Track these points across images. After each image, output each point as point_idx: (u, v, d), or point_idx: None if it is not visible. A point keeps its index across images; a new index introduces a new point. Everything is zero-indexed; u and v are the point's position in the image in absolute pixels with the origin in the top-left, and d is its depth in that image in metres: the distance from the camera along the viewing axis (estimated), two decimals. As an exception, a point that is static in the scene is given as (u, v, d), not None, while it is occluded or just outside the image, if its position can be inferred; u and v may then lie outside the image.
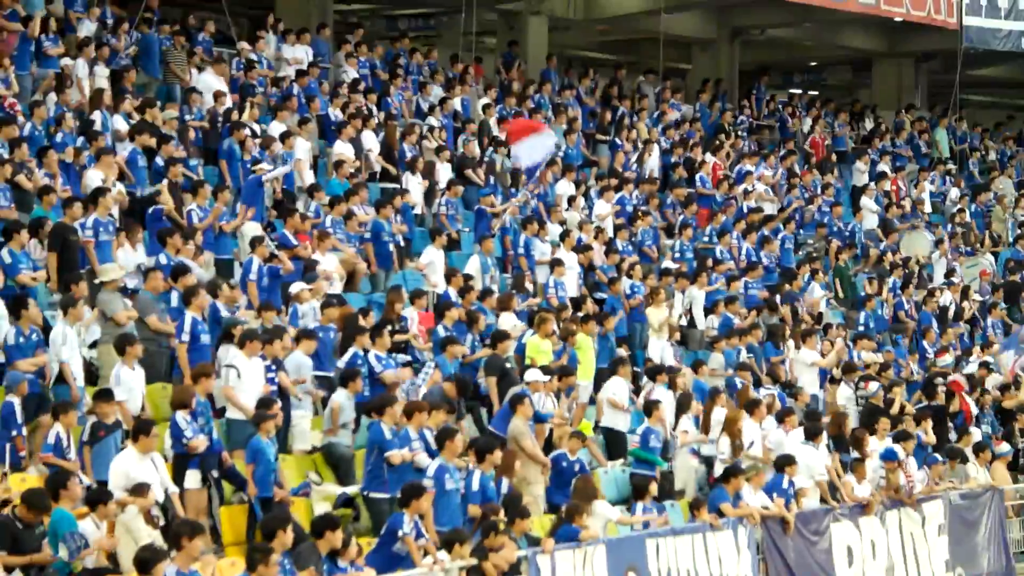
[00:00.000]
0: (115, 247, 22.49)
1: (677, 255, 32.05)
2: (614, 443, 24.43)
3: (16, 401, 18.16)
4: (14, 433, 18.10)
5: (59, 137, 25.24)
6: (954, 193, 42.48)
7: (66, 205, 22.37)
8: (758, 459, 23.87)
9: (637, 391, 25.78)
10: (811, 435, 24.29)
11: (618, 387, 24.63)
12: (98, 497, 16.93)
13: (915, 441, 26.12)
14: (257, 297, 23.16)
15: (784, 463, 23.31)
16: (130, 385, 19.20)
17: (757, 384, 27.07)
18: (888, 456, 25.09)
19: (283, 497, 18.99)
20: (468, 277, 26.70)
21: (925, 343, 32.73)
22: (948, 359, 31.82)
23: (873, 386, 28.26)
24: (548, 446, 22.78)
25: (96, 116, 26.55)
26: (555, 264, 28.55)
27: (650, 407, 23.87)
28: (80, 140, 25.49)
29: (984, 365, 31.64)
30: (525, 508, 19.85)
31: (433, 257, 27.52)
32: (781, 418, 24.85)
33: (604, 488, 22.98)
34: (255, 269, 23.63)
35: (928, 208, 41.31)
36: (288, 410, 20.87)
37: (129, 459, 17.65)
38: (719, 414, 24.45)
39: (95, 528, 16.72)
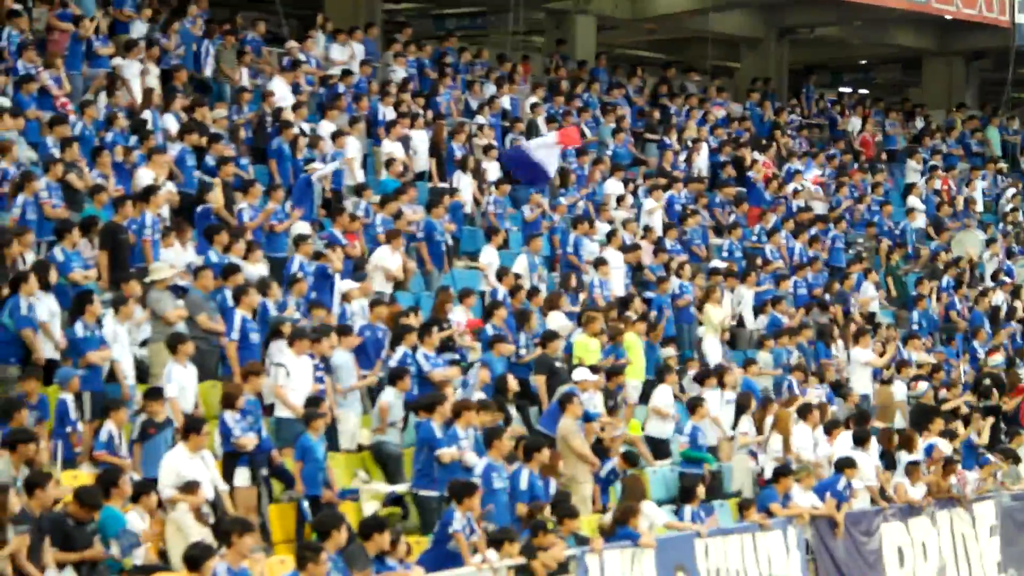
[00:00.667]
0: (163, 246, 22.55)
1: (726, 254, 31.96)
2: (659, 451, 24.33)
3: (69, 398, 18.24)
4: (68, 429, 18.18)
5: (110, 137, 25.34)
6: (1009, 192, 42.22)
7: (119, 204, 22.45)
8: (809, 463, 23.76)
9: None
10: (860, 440, 24.17)
11: (664, 396, 24.54)
12: (142, 489, 17.04)
13: (960, 439, 26.00)
14: (303, 295, 23.19)
15: (845, 464, 23.16)
16: (182, 383, 19.29)
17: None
18: (929, 451, 24.96)
19: (331, 499, 19.03)
20: (516, 276, 26.71)
21: (976, 343, 32.54)
22: (999, 359, 31.63)
23: (923, 386, 28.13)
24: (597, 446, 22.77)
25: (147, 115, 26.66)
26: (599, 263, 28.51)
27: (695, 404, 23.78)
28: (132, 139, 25.57)
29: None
30: (574, 507, 19.83)
31: (492, 257, 27.57)
32: (829, 430, 24.74)
33: (653, 488, 22.93)
34: (296, 267, 23.68)
35: (980, 207, 41.07)
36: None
37: (180, 457, 17.74)
38: (771, 421, 24.35)
39: (140, 520, 16.82)
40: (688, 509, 21.50)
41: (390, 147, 29.85)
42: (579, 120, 35.00)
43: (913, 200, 38.86)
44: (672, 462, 23.97)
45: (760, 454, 24.27)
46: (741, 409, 24.37)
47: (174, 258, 22.44)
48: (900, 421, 27.74)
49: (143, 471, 18.00)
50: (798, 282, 31.83)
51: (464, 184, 30.07)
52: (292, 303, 22.66)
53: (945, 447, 25.33)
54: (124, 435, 18.24)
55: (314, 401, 19.92)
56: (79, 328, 19.09)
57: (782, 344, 28.11)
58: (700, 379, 25.29)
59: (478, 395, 21.91)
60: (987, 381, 29.73)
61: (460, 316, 24.59)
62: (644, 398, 25.22)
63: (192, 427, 17.99)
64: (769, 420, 24.40)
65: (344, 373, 21.44)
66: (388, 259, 25.37)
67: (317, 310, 22.29)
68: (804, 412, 24.69)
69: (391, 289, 25.38)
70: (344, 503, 19.40)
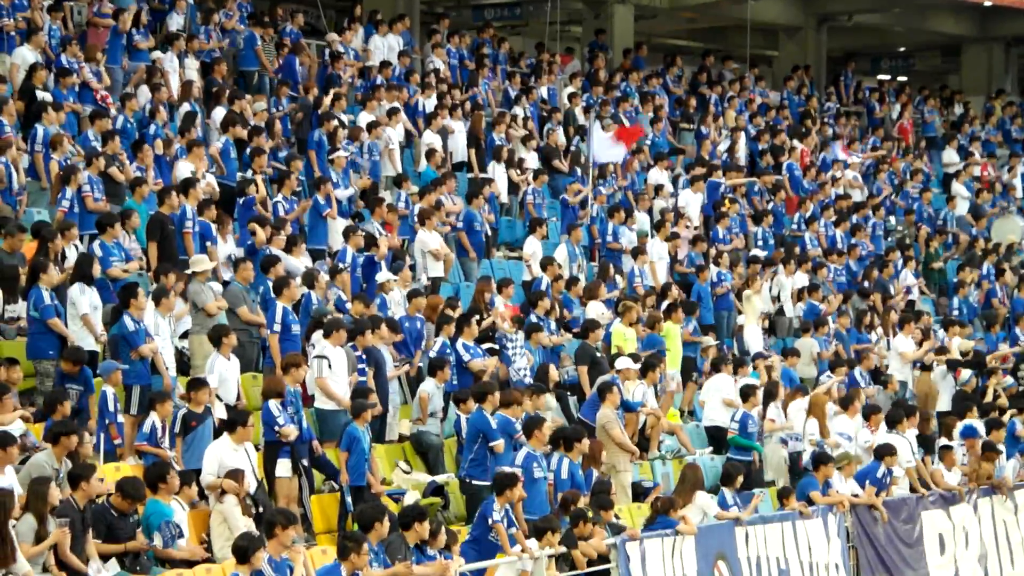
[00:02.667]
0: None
1: (760, 243, 31.94)
2: (720, 438, 24.33)
3: (110, 390, 18.36)
4: (107, 422, 18.31)
5: (151, 130, 25.47)
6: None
7: (164, 195, 22.55)
8: (850, 453, 23.72)
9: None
10: (893, 423, 24.13)
11: (727, 385, 24.52)
12: (183, 480, 17.18)
13: (1005, 429, 25.93)
14: (350, 286, 23.31)
15: (884, 452, 23.11)
16: (225, 375, 19.40)
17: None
18: (967, 433, 24.89)
19: (379, 491, 19.11)
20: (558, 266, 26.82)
21: (1018, 330, 32.40)
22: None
23: (965, 374, 28.02)
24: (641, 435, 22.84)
25: (186, 108, 26.80)
26: (637, 252, 28.53)
27: (747, 392, 23.77)
28: (172, 133, 25.70)
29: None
30: (610, 498, 19.86)
31: (535, 248, 27.66)
32: (867, 416, 24.71)
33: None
34: (349, 259, 23.80)
35: (1020, 193, 40.89)
36: (387, 403, 21.06)
37: (224, 448, 17.85)
38: (797, 405, 24.30)
39: (181, 510, 16.94)
40: (728, 492, 21.47)
41: (430, 138, 29.94)
42: (618, 111, 34.97)
43: (957, 187, 38.74)
44: (711, 451, 24.02)
45: (791, 441, 24.22)
46: (769, 397, 24.29)
47: (217, 250, 22.58)
48: (944, 406, 27.69)
49: (184, 463, 18.10)
50: (837, 269, 31.78)
51: (499, 174, 30.13)
52: (332, 295, 22.77)
53: (982, 429, 25.24)
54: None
55: (360, 392, 20.00)
56: (128, 322, 19.15)
57: (821, 333, 28.10)
58: (736, 365, 25.21)
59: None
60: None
61: (500, 304, 24.70)
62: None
63: (238, 419, 18.08)
64: (794, 406, 24.33)
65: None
66: (430, 240, 25.61)
67: (358, 302, 22.37)
68: (846, 403, 24.67)
69: (441, 271, 25.57)
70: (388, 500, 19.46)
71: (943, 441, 25.10)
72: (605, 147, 30.41)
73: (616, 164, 31.79)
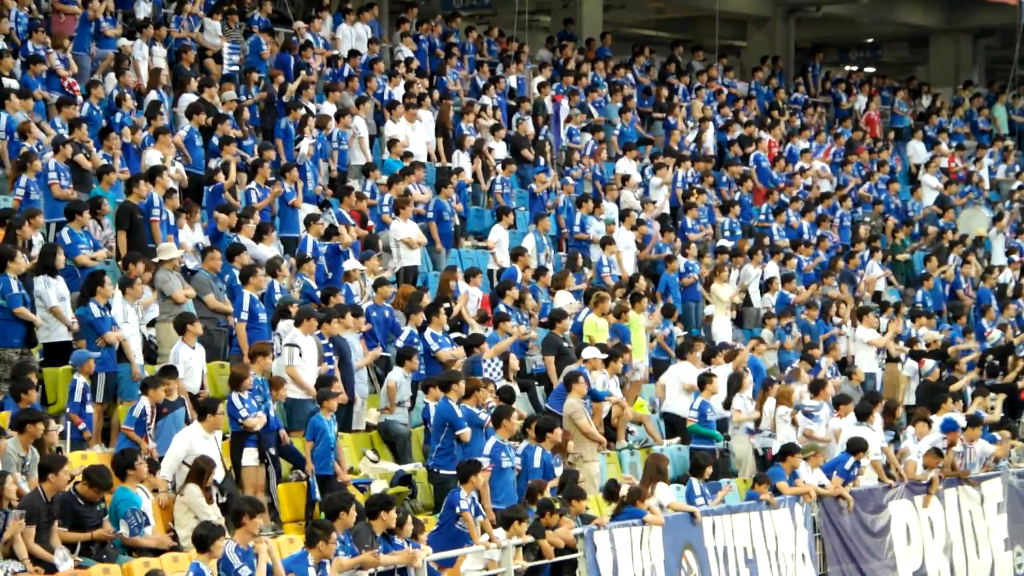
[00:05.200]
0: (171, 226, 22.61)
1: (727, 233, 31.99)
2: (678, 426, 24.34)
3: (80, 380, 18.29)
4: (68, 410, 18.25)
5: (118, 117, 25.38)
6: (1009, 171, 42.18)
7: (132, 184, 22.44)
8: (819, 440, 23.76)
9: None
10: (863, 415, 24.18)
11: (686, 372, 24.54)
12: (150, 468, 17.14)
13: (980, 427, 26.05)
14: (314, 274, 23.27)
15: (856, 446, 23.12)
16: (189, 363, 19.33)
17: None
18: (948, 427, 24.97)
19: (345, 480, 19.08)
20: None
21: (984, 321, 32.54)
22: (996, 335, 31.54)
23: (929, 364, 28.10)
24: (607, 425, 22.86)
25: (154, 96, 26.70)
26: (605, 243, 28.55)
27: (704, 380, 23.76)
28: (141, 120, 25.60)
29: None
30: (581, 488, 19.88)
31: (500, 236, 27.64)
32: (837, 405, 24.75)
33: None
34: (310, 247, 23.75)
35: (987, 185, 41.05)
36: (353, 392, 21.04)
37: (194, 435, 17.82)
38: (771, 404, 24.31)
39: (146, 497, 16.89)
40: (696, 483, 21.50)
41: (394, 128, 29.87)
42: (587, 99, 34.98)
43: (926, 178, 38.88)
44: (679, 441, 24.03)
45: (759, 435, 24.22)
46: (733, 388, 24.28)
47: (183, 238, 22.50)
48: (907, 399, 27.79)
49: (157, 451, 18.05)
50: (804, 260, 31.84)
51: (465, 163, 30.10)
52: (297, 284, 22.73)
53: (962, 421, 25.32)
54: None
55: (325, 381, 19.97)
56: (94, 309, 19.11)
57: (784, 323, 28.18)
58: (707, 356, 25.21)
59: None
60: (991, 358, 29.81)
61: (475, 293, 24.71)
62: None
63: (208, 407, 18.05)
64: (768, 405, 24.33)
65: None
66: (403, 229, 25.60)
67: (331, 292, 22.37)
68: (816, 388, 24.69)
69: (416, 260, 25.61)
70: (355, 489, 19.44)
71: (920, 434, 25.07)
72: None
73: (585, 155, 31.83)
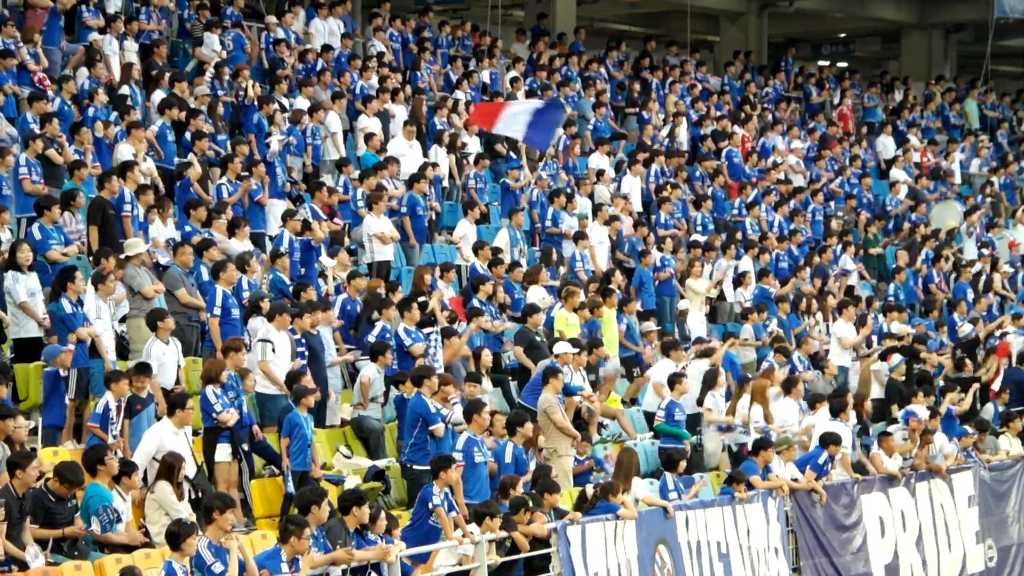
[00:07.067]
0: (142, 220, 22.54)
1: (700, 228, 32.01)
2: (651, 422, 24.33)
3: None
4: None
5: (90, 112, 25.28)
6: (984, 164, 42.31)
7: (104, 179, 22.36)
8: (793, 434, 23.79)
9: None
10: (836, 411, 24.20)
11: (663, 370, 24.47)
12: (124, 469, 17.05)
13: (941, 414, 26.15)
14: (289, 270, 23.23)
15: (829, 440, 23.16)
16: (163, 359, 19.26)
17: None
18: (907, 418, 25.05)
19: (317, 476, 19.06)
20: (497, 250, 26.75)
21: (956, 315, 32.61)
22: (968, 329, 31.62)
23: (895, 359, 28.11)
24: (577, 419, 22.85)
25: (125, 90, 26.61)
26: (579, 237, 28.55)
27: (673, 380, 23.73)
28: (113, 115, 25.51)
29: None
30: (555, 482, 19.88)
31: (467, 230, 27.61)
32: (812, 403, 24.79)
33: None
34: (286, 243, 23.71)
35: (958, 179, 41.15)
36: (325, 388, 21.01)
37: (164, 431, 17.78)
38: (745, 400, 24.29)
39: (122, 500, 16.84)
40: (670, 477, 21.50)
41: (367, 122, 29.82)
42: (559, 94, 34.97)
43: (896, 172, 38.96)
44: (652, 436, 24.04)
45: (729, 431, 24.21)
46: (707, 385, 24.25)
47: (154, 234, 22.44)
48: (878, 393, 27.82)
49: (130, 447, 17.99)
50: (779, 255, 31.90)
51: (440, 158, 30.05)
52: (267, 279, 22.68)
53: (923, 413, 25.39)
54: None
55: (296, 376, 19.93)
56: (66, 304, 19.04)
57: (763, 319, 28.17)
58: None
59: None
60: (959, 352, 29.91)
61: (446, 290, 24.68)
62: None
63: (177, 403, 18.01)
64: (742, 402, 24.32)
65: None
66: (376, 224, 25.60)
67: (303, 287, 22.35)
68: (789, 386, 24.73)
69: (389, 255, 25.64)
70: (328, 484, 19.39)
71: (879, 427, 25.19)
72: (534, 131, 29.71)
73: (558, 150, 31.80)
